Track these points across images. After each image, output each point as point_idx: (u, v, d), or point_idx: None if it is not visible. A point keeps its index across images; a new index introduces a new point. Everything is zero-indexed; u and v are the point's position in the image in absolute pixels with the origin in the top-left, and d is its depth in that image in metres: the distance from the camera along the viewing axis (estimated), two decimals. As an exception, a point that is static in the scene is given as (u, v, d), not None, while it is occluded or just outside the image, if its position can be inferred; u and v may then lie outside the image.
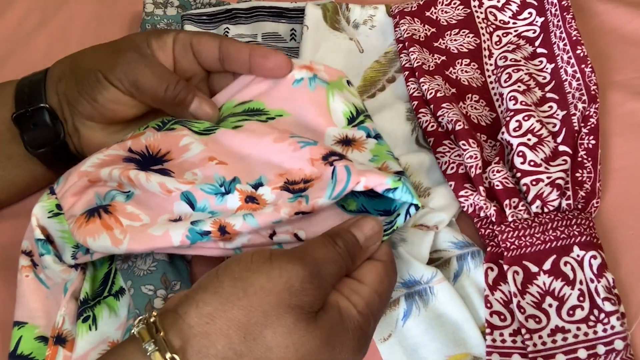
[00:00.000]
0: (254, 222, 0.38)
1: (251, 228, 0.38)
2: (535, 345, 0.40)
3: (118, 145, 0.43)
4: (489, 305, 0.42)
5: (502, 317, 0.42)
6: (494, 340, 0.41)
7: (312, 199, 0.38)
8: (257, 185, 0.40)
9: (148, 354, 0.31)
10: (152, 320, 0.32)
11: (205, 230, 0.38)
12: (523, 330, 0.41)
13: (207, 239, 0.39)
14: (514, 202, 0.43)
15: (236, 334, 0.31)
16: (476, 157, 0.45)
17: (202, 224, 0.38)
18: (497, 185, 0.44)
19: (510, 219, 0.43)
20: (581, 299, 0.41)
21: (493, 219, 0.44)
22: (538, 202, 0.43)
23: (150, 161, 0.42)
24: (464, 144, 0.45)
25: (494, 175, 0.44)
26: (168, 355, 0.31)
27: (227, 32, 0.55)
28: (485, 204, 0.44)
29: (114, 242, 0.39)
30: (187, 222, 0.39)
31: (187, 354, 0.31)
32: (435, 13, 0.55)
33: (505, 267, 0.42)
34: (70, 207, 0.42)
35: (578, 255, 0.42)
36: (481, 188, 0.44)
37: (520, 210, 0.43)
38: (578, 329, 0.41)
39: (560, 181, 0.44)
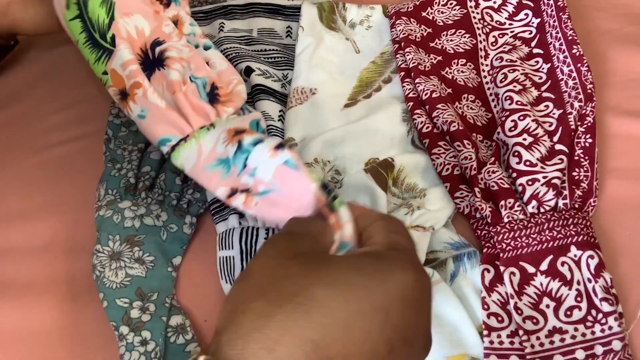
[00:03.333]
0: None
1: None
2: (533, 346, 0.40)
3: None
4: (486, 307, 0.42)
5: (500, 318, 0.41)
6: (491, 342, 0.41)
7: None
8: None
9: None
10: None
11: None
12: (520, 332, 0.40)
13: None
14: (509, 202, 0.43)
15: None
16: (471, 158, 0.45)
17: None
18: (493, 186, 0.44)
19: (505, 219, 0.43)
20: (579, 299, 0.41)
21: (489, 220, 0.43)
22: (534, 202, 0.43)
23: None
24: (458, 145, 0.45)
25: (490, 176, 0.44)
26: None
27: (222, 27, 0.55)
28: (480, 205, 0.43)
29: None
30: None
31: None
32: (431, 13, 0.55)
33: (502, 268, 0.42)
34: None
35: (575, 255, 0.42)
36: (476, 189, 0.44)
37: (516, 211, 0.43)
38: (576, 329, 0.41)
39: (556, 181, 0.44)
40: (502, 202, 0.43)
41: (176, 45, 0.43)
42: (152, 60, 0.42)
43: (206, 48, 0.47)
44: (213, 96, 0.42)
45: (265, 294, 0.28)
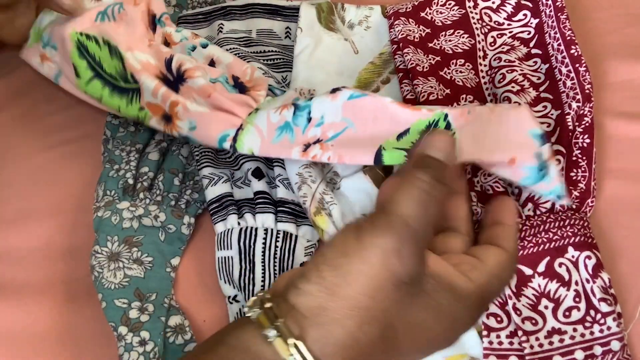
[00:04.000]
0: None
1: None
2: (532, 347, 0.40)
3: None
4: (485, 307, 0.42)
5: (499, 319, 0.41)
6: (490, 343, 0.41)
7: None
8: None
9: (270, 339, 0.30)
10: (267, 305, 0.31)
11: None
12: (520, 332, 0.40)
13: None
14: (504, 206, 0.43)
15: (352, 321, 0.30)
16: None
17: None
18: (488, 190, 0.44)
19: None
20: (577, 300, 0.41)
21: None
22: (530, 205, 0.43)
23: None
24: None
25: (485, 179, 0.44)
26: (291, 341, 0.29)
27: (221, 28, 0.55)
28: (476, 209, 0.43)
29: None
30: None
31: (307, 342, 0.30)
32: (430, 14, 0.55)
33: (499, 270, 0.42)
34: None
35: (573, 256, 0.42)
36: (472, 193, 0.44)
37: (511, 214, 0.43)
38: (574, 330, 0.40)
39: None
40: (498, 206, 0.43)
41: (186, 57, 0.45)
42: (174, 80, 0.44)
43: (203, 46, 0.47)
44: (241, 87, 0.44)
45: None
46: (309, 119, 0.41)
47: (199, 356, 0.33)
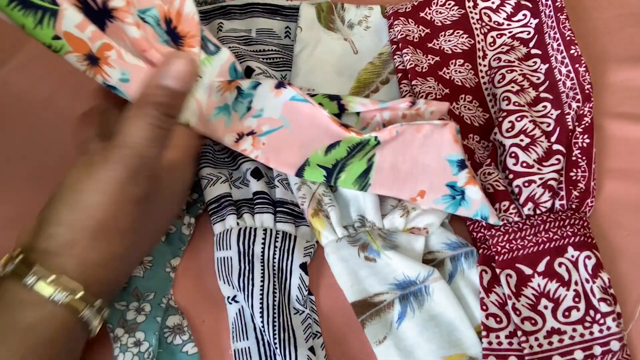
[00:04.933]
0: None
1: None
2: (531, 347, 0.40)
3: None
4: (484, 307, 0.42)
5: (498, 319, 0.41)
6: (490, 343, 0.41)
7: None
8: None
9: (29, 285, 0.33)
10: (19, 258, 0.34)
11: None
12: (519, 333, 0.40)
13: None
14: (504, 205, 0.43)
15: (102, 243, 0.35)
16: None
17: None
18: (489, 188, 0.44)
19: (500, 223, 0.43)
20: (577, 299, 0.41)
21: (484, 223, 0.43)
22: (530, 205, 0.43)
23: None
24: None
25: (486, 177, 0.44)
26: (50, 279, 0.33)
27: (221, 27, 0.55)
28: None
29: None
30: None
31: (68, 274, 0.34)
32: (429, 14, 0.55)
33: (498, 270, 0.42)
34: None
35: (572, 256, 0.42)
36: None
37: (511, 214, 0.43)
38: (574, 330, 0.40)
39: (552, 182, 0.44)
40: (497, 205, 0.43)
41: None
42: (97, 12, 0.38)
43: None
44: (174, 35, 0.40)
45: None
46: (249, 108, 0.40)
47: None
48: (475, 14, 0.54)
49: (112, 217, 0.35)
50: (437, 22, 0.54)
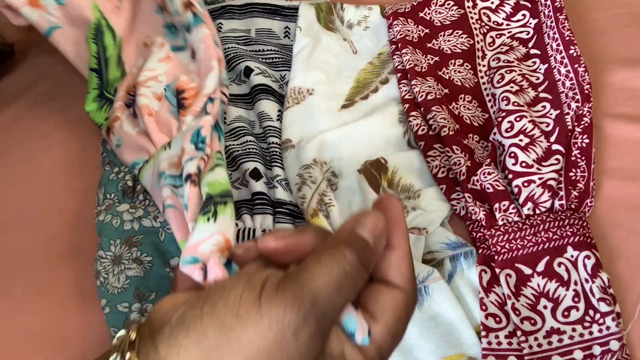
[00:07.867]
0: None
1: None
2: (531, 347, 0.40)
3: None
4: (484, 307, 0.42)
5: (498, 319, 0.41)
6: (489, 343, 0.41)
7: None
8: None
9: None
10: (132, 338, 0.28)
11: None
12: (518, 332, 0.40)
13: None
14: (504, 205, 0.43)
15: None
16: (460, 164, 0.45)
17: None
18: (488, 188, 0.44)
19: (500, 222, 0.43)
20: (576, 299, 0.41)
21: (483, 223, 0.43)
22: (529, 204, 0.43)
23: None
24: (448, 151, 0.46)
25: (485, 177, 0.44)
26: None
27: (220, 27, 0.55)
28: (473, 209, 0.43)
29: None
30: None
31: None
32: (429, 14, 0.55)
33: (497, 270, 0.42)
34: None
35: (572, 256, 0.42)
36: (467, 195, 0.44)
37: (510, 214, 0.43)
38: (573, 330, 0.40)
39: (552, 182, 0.44)
40: (497, 205, 0.43)
41: (150, 67, 0.45)
42: (133, 95, 0.45)
43: (187, 29, 0.46)
44: (180, 103, 0.44)
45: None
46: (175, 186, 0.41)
47: None
48: (475, 14, 0.54)
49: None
50: (436, 22, 0.54)
